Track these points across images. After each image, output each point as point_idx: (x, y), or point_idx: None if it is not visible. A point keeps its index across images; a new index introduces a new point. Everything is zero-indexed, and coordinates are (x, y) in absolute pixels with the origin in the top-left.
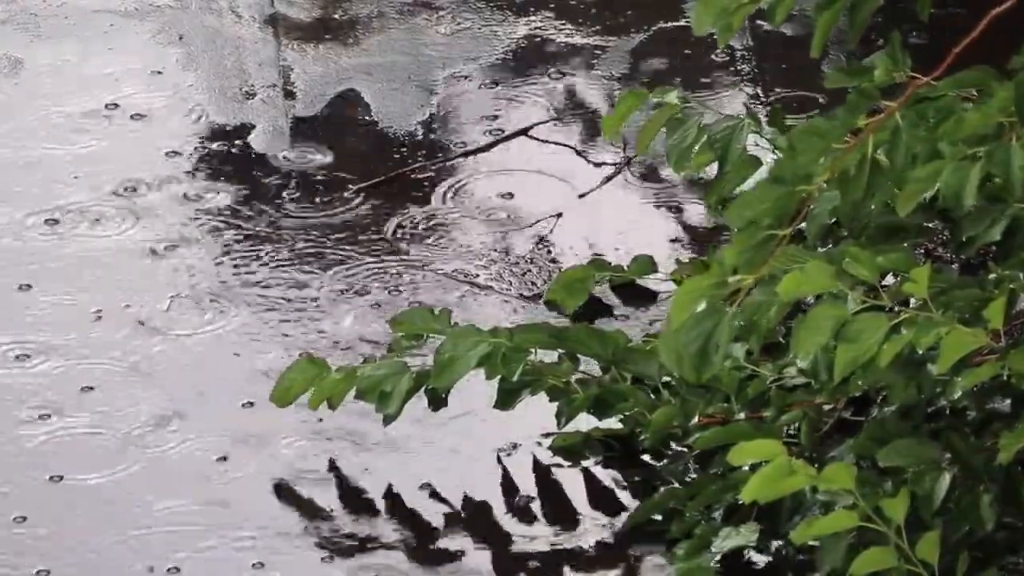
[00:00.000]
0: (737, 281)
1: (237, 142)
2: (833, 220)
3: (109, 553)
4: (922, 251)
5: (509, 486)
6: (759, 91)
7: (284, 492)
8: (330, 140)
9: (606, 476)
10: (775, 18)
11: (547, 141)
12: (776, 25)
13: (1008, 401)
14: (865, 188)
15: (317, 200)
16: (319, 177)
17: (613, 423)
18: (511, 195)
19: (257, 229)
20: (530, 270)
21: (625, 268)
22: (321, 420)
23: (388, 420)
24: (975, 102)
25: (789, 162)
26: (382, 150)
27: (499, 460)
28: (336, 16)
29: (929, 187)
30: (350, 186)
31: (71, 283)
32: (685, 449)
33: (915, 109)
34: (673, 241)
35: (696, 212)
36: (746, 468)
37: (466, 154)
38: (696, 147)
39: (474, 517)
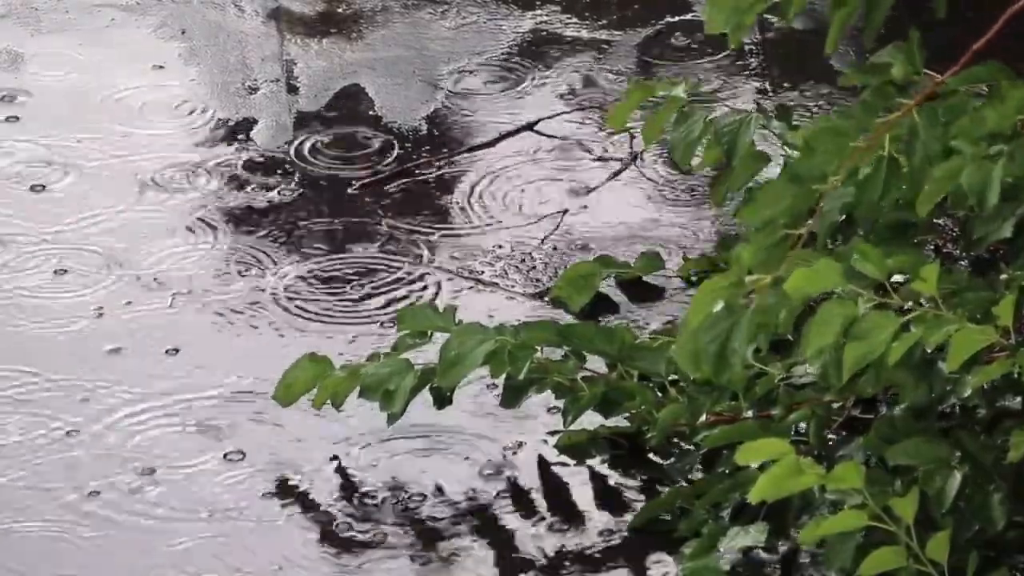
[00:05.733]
0: (754, 281)
1: (240, 137)
2: (843, 217)
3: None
4: (932, 248)
5: (514, 485)
6: (767, 85)
7: (286, 490)
8: (333, 135)
9: (612, 475)
10: (788, 15)
11: (553, 136)
12: (789, 22)
13: (1019, 399)
14: (883, 188)
15: (319, 196)
16: (322, 173)
17: (620, 421)
18: (516, 191)
19: (258, 225)
20: (536, 267)
21: (632, 264)
22: (324, 416)
23: (392, 419)
24: (985, 97)
25: (806, 161)
26: (385, 146)
27: (505, 458)
28: (340, 10)
29: (949, 186)
30: (353, 182)
31: (72, 283)
32: (692, 448)
33: (929, 108)
34: (680, 237)
35: (703, 207)
36: (754, 467)
37: (471, 149)
38: (702, 141)
39: (479, 516)
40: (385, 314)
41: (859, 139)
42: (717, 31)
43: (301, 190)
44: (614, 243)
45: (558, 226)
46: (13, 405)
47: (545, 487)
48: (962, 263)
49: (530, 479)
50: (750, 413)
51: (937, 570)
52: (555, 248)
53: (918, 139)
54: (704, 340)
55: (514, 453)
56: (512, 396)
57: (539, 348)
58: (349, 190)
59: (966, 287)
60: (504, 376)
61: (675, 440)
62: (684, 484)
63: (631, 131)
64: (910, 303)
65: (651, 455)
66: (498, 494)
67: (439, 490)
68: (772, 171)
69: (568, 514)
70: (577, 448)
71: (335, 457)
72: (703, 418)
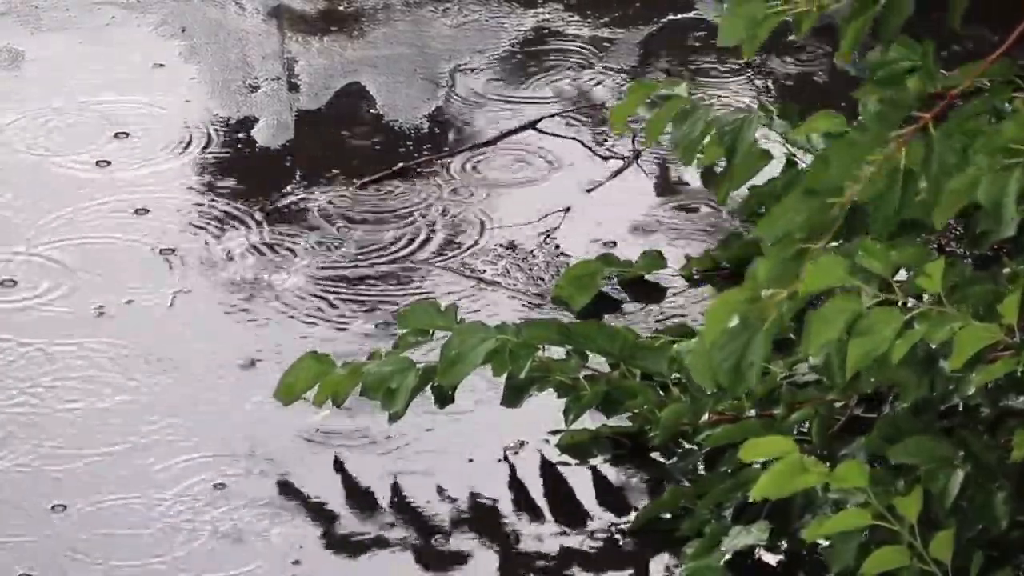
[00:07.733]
0: (770, 295)
1: (241, 135)
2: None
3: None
4: (935, 246)
5: (516, 484)
6: (769, 83)
7: (288, 489)
8: (334, 134)
9: (614, 474)
10: (799, 29)
11: (555, 135)
12: (800, 36)
13: (1022, 398)
14: (899, 201)
15: (321, 194)
16: (323, 171)
17: (622, 420)
18: (518, 190)
19: (260, 223)
20: (537, 265)
21: (634, 263)
22: (326, 415)
23: (394, 418)
24: (988, 93)
25: (822, 174)
26: (387, 144)
27: (506, 458)
28: (341, 8)
29: (966, 198)
30: (354, 180)
31: (74, 281)
32: (695, 447)
33: (946, 124)
34: (682, 236)
35: (706, 206)
36: (757, 466)
37: (472, 148)
38: (705, 140)
39: (481, 516)
40: (384, 311)
41: (875, 152)
42: (732, 42)
43: (301, 188)
44: (616, 241)
45: (560, 224)
46: None
47: (547, 486)
48: (966, 261)
49: (532, 479)
50: (752, 412)
51: (940, 570)
52: (557, 246)
53: (934, 152)
54: (719, 357)
55: (516, 452)
56: (513, 395)
57: (541, 347)
58: (350, 188)
59: (970, 280)
60: (505, 375)
61: (677, 439)
62: (686, 483)
63: (633, 129)
64: (913, 301)
65: (653, 454)
66: (500, 493)
67: (440, 489)
68: (773, 169)
69: (570, 514)
70: (579, 447)
71: (337, 456)
72: (705, 417)
